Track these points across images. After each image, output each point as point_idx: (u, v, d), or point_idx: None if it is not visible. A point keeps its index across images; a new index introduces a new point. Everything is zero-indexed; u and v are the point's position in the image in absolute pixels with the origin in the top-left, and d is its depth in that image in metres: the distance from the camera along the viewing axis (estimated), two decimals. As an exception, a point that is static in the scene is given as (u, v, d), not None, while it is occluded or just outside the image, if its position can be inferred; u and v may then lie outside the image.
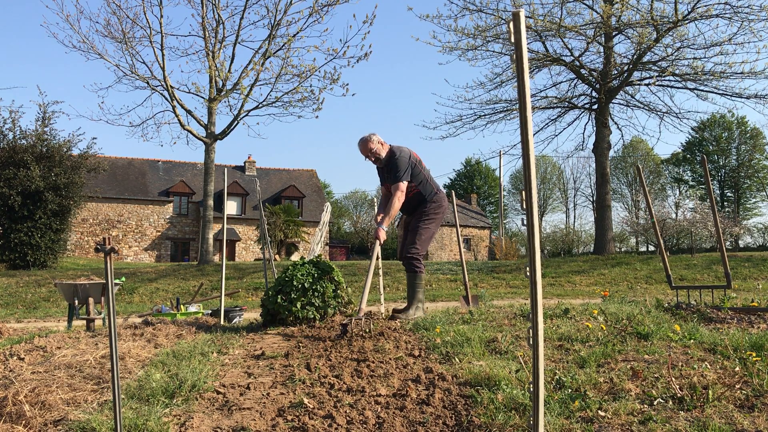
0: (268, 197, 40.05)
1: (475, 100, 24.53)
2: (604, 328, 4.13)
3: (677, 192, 51.38)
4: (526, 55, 1.91)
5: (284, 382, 3.12)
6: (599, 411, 2.59)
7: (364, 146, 5.15)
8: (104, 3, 35.28)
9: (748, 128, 48.22)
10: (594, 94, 23.07)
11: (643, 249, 46.78)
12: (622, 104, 24.13)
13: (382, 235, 5.08)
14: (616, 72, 22.24)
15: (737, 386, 2.84)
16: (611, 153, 25.34)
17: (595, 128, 23.41)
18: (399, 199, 5.04)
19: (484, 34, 20.44)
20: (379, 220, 5.14)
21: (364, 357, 3.52)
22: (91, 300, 7.05)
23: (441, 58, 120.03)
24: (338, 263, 19.74)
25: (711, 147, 49.16)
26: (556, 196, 62.05)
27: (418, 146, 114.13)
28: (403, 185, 5.05)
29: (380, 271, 7.73)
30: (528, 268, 1.95)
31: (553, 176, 60.36)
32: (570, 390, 2.83)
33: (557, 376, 3.00)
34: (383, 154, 5.16)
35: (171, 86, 19.68)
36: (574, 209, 69.98)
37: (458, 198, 51.36)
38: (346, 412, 2.67)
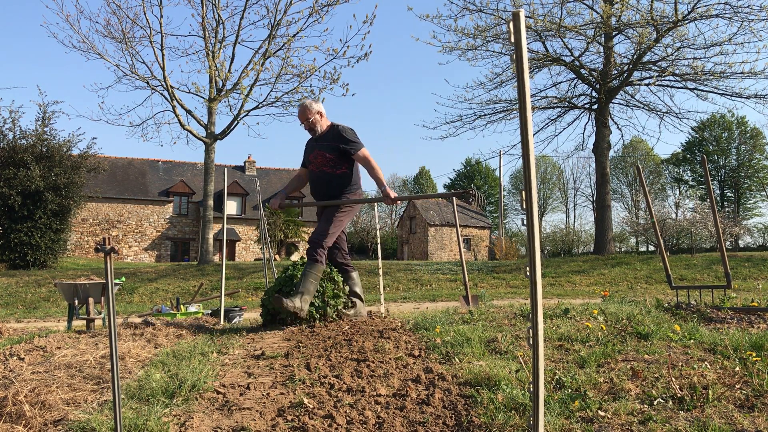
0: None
1: (475, 100, 24.54)
2: (604, 328, 4.13)
3: (677, 192, 51.41)
4: (526, 55, 1.91)
5: (284, 382, 3.12)
6: (599, 411, 2.59)
7: (304, 112, 4.79)
8: (104, 3, 35.31)
9: (748, 128, 48.24)
10: (594, 94, 23.08)
11: (643, 249, 46.78)
12: (622, 104, 24.16)
13: (393, 194, 4.69)
14: (616, 72, 22.26)
15: (737, 386, 2.84)
16: (611, 153, 25.38)
17: (595, 128, 23.43)
18: (375, 163, 4.73)
19: (484, 34, 20.45)
20: (379, 187, 4.80)
21: (364, 357, 3.52)
22: (91, 300, 7.04)
23: (441, 58, 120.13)
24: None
25: (711, 147, 49.16)
26: (556, 196, 62.11)
27: (418, 146, 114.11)
28: (368, 151, 4.76)
29: (380, 271, 7.72)
30: (528, 268, 1.95)
31: (553, 176, 60.40)
32: (570, 390, 2.83)
33: (557, 376, 3.00)
34: (320, 127, 4.82)
35: (171, 86, 19.68)
36: (574, 209, 70.05)
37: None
38: (346, 412, 2.67)
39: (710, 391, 2.72)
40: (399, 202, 4.84)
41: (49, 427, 2.58)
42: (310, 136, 4.95)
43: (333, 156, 4.76)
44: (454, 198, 8.37)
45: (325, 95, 28.65)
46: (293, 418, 2.61)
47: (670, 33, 19.74)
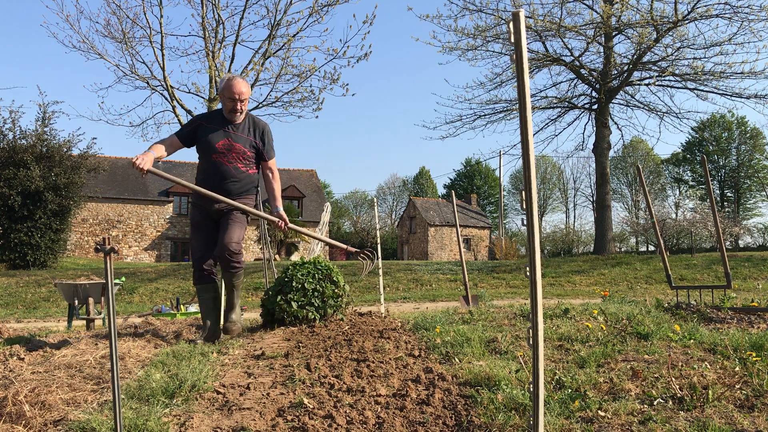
0: (268, 197, 40.00)
1: (475, 100, 24.55)
2: (604, 328, 4.13)
3: (677, 192, 51.44)
4: (526, 55, 1.91)
5: (284, 382, 3.12)
6: (599, 411, 2.58)
7: (246, 89, 4.20)
8: (104, 3, 35.24)
9: (748, 128, 48.26)
10: (594, 94, 23.09)
11: (643, 249, 46.79)
12: (622, 104, 24.18)
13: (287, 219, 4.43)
14: (616, 72, 22.26)
15: (737, 386, 2.84)
16: (611, 153, 25.40)
17: (595, 128, 23.44)
18: (279, 178, 4.47)
19: (484, 34, 20.46)
20: (276, 204, 4.43)
21: (364, 357, 3.52)
22: (91, 300, 7.06)
23: (441, 58, 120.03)
24: (338, 263, 19.75)
25: (711, 147, 49.18)
26: (556, 196, 62.15)
27: (418, 146, 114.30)
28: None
29: (380, 271, 7.72)
30: (528, 268, 1.95)
31: (553, 176, 60.42)
32: (570, 390, 2.83)
33: (557, 376, 3.00)
34: (244, 112, 4.31)
35: (171, 86, 19.67)
36: (574, 209, 70.04)
37: (458, 198, 51.38)
38: (346, 412, 2.67)
39: (710, 391, 2.72)
40: (287, 228, 4.38)
41: (49, 427, 2.58)
42: (204, 111, 4.20)
43: (252, 154, 4.28)
44: (454, 197, 8.38)
45: (325, 95, 28.65)
46: (293, 418, 2.61)
47: (670, 33, 19.75)
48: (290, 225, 4.42)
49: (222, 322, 4.36)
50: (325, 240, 4.78)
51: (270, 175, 4.42)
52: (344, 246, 4.78)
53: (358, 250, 4.79)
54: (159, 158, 4.36)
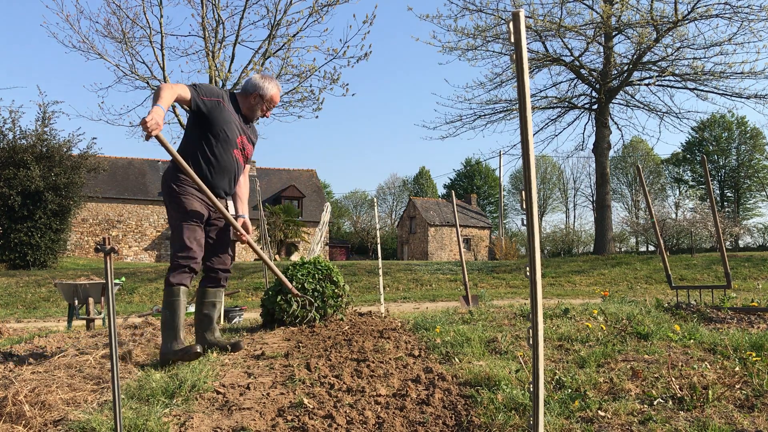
0: (268, 197, 40.06)
1: (475, 100, 24.63)
2: (604, 328, 4.13)
3: (677, 192, 51.43)
4: (526, 55, 1.91)
5: (284, 382, 3.12)
6: (599, 411, 2.58)
7: (279, 95, 3.99)
8: (104, 3, 35.23)
9: (748, 128, 48.26)
10: (594, 94, 23.10)
11: (643, 249, 46.78)
12: (622, 104, 24.19)
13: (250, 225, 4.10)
14: (616, 72, 22.27)
15: (737, 386, 2.84)
16: (611, 153, 25.41)
17: (595, 128, 23.44)
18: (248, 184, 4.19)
19: (484, 34, 20.47)
20: (240, 210, 4.16)
21: (364, 357, 3.52)
22: (91, 300, 7.06)
23: (441, 58, 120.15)
24: (338, 263, 19.77)
25: (711, 147, 49.18)
26: (556, 196, 62.13)
27: (418, 146, 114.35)
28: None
29: (380, 271, 7.72)
30: (528, 268, 1.95)
31: (553, 176, 60.41)
32: (570, 390, 2.83)
33: (557, 376, 3.00)
34: None
35: (171, 86, 19.66)
36: (574, 209, 70.02)
37: (458, 198, 51.39)
38: (346, 412, 2.67)
39: (710, 391, 2.72)
40: (246, 242, 3.94)
41: (49, 427, 2.58)
42: (222, 97, 3.73)
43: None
44: (453, 197, 8.38)
45: (325, 95, 28.63)
46: (293, 418, 2.60)
47: (670, 33, 19.75)
48: (251, 242, 3.93)
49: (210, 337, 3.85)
50: (276, 271, 4.29)
51: (243, 179, 4.16)
52: (289, 285, 4.36)
53: (298, 294, 4.49)
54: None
